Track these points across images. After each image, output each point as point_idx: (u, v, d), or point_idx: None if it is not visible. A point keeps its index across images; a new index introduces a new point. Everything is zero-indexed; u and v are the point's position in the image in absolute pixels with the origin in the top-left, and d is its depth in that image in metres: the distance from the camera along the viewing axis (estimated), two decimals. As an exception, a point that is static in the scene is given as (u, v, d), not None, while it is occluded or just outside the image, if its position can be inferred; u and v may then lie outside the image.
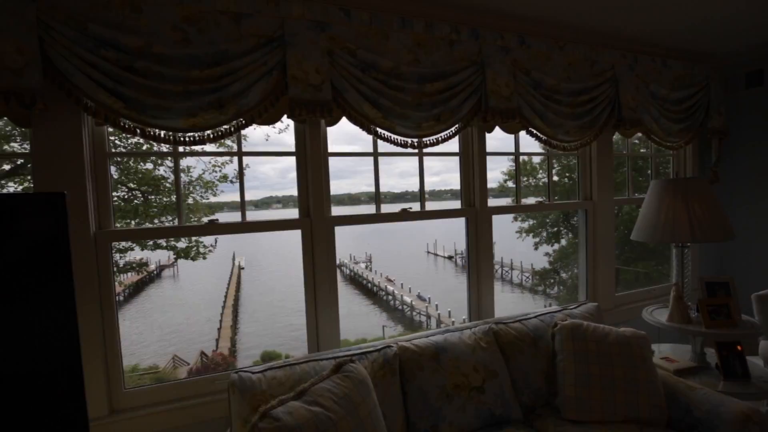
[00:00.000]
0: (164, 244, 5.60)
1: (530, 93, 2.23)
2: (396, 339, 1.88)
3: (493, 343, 1.84)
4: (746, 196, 3.02)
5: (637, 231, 2.26)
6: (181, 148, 1.84)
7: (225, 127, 1.69)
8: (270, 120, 1.80)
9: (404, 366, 1.67)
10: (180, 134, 1.64)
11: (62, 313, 1.14)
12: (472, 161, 2.32)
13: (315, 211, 1.93)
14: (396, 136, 1.96)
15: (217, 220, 1.85)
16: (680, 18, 2.34)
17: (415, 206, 2.24)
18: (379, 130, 1.93)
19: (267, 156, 2.02)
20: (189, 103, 1.58)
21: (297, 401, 1.23)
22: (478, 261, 2.33)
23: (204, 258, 5.85)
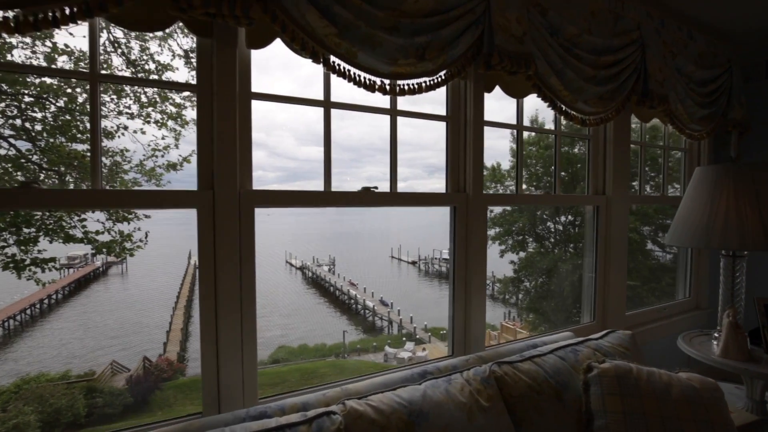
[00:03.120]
0: (79, 236, 4.52)
1: (546, 40, 1.58)
2: (344, 389, 1.14)
3: (497, 398, 1.14)
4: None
5: (675, 234, 1.66)
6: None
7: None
8: (140, 21, 1.03)
9: (355, 450, 0.93)
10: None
11: None
12: (465, 130, 1.64)
13: (221, 181, 1.17)
14: (358, 72, 1.23)
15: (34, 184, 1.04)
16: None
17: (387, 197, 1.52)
18: (332, 59, 1.20)
19: (138, 85, 1.22)
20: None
21: None
22: (467, 268, 1.64)
23: (131, 255, 4.80)
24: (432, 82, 1.37)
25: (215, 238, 1.15)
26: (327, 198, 1.34)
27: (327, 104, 1.37)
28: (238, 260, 1.19)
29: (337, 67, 1.21)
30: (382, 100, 1.48)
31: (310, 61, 1.18)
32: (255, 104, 1.26)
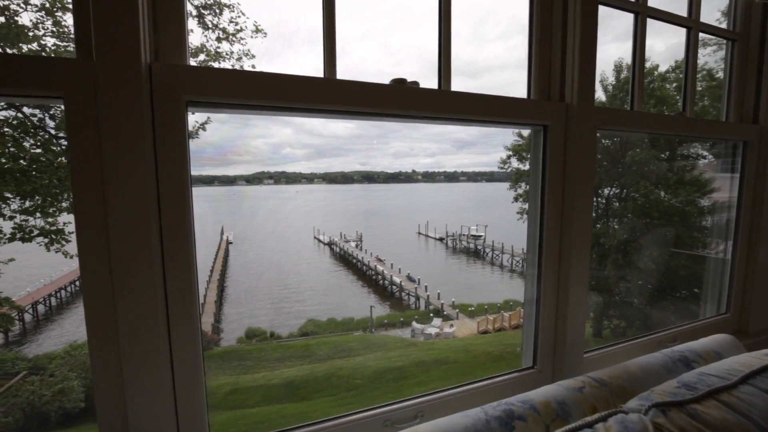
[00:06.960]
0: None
1: None
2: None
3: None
4: None
5: None
6: None
7: None
8: None
9: None
10: None
11: None
12: (564, 7, 0.95)
13: (105, 39, 0.56)
14: None
15: None
16: None
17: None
18: None
19: None
20: None
21: None
22: (562, 234, 0.98)
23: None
24: None
25: (103, 161, 0.56)
26: (329, 91, 0.70)
27: (329, -74, 0.73)
28: (155, 205, 0.59)
29: None
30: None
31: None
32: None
